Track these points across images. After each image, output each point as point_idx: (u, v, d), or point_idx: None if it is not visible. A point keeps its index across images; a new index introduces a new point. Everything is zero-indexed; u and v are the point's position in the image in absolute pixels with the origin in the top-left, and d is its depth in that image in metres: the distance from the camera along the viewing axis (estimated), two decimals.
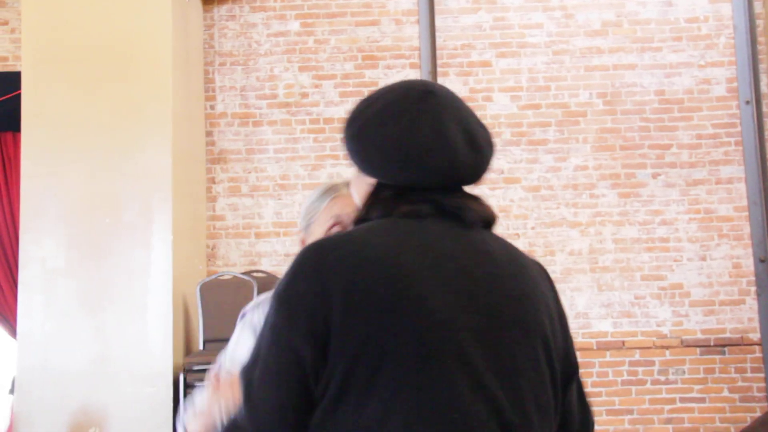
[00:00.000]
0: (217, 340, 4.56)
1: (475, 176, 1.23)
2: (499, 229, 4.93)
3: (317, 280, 1.09)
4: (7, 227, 5.16)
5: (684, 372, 5.17)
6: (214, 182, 5.48)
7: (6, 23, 5.52)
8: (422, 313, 1.07)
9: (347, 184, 1.66)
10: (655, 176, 5.35)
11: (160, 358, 4.40)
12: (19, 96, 4.62)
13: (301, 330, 1.08)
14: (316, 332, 1.07)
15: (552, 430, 1.18)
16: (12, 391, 4.63)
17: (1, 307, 5.11)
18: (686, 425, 5.12)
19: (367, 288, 1.07)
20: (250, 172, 5.48)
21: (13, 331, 4.90)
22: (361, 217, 1.23)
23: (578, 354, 1.27)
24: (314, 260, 1.12)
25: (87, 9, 4.64)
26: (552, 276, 1.30)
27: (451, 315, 1.09)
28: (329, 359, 1.06)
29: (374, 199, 1.22)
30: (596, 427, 5.78)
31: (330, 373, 1.06)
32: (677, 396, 5.15)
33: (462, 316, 1.10)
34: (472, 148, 1.20)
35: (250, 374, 1.12)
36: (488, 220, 1.24)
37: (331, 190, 1.71)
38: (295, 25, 5.57)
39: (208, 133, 5.52)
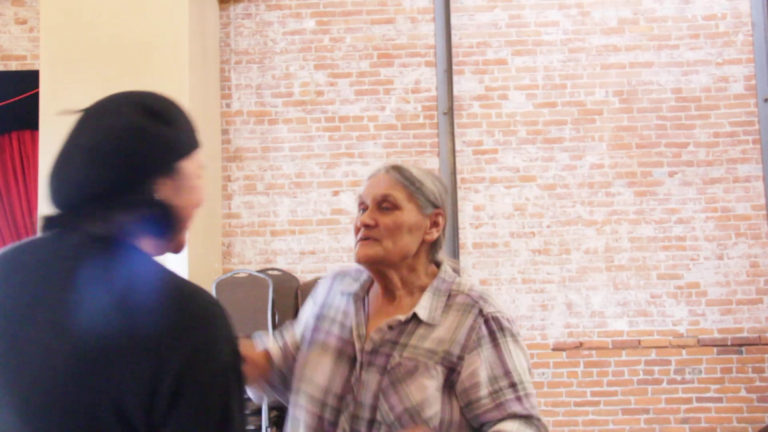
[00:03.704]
0: None
1: (66, 201, 1.11)
2: (515, 228, 4.91)
3: None
4: (25, 224, 5.20)
5: (701, 371, 5.14)
6: (229, 180, 5.51)
7: (24, 22, 5.56)
8: None
9: (393, 168, 1.62)
10: (671, 174, 5.31)
11: None
12: (37, 94, 4.66)
13: None
14: None
15: None
16: None
17: None
18: (703, 425, 5.09)
19: None
20: (265, 170, 5.50)
21: None
22: None
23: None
24: None
25: (105, 8, 4.67)
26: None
27: None
28: None
29: None
30: (613, 426, 5.71)
31: None
32: (694, 396, 5.12)
33: None
34: (55, 175, 1.12)
35: None
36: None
37: (374, 172, 1.65)
38: (310, 24, 5.58)
39: (224, 131, 5.54)
